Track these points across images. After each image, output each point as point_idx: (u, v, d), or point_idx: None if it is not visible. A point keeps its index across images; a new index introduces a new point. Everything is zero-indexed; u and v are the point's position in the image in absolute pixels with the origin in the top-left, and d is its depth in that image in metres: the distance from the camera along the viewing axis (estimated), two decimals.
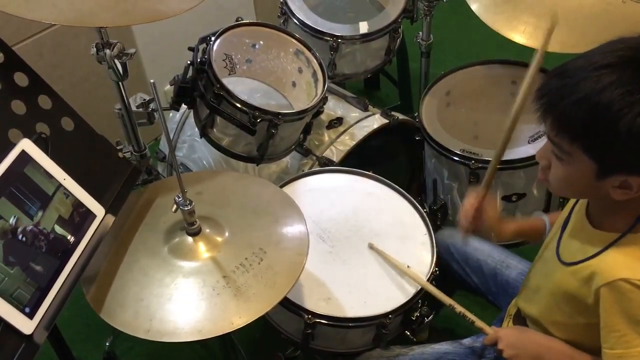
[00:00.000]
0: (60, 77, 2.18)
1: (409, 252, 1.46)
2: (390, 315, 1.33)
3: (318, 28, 1.93)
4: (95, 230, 1.13)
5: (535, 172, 1.71)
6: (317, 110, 1.67)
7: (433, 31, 2.17)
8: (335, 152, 1.78)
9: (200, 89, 1.57)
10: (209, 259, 1.17)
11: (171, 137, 1.98)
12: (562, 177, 1.05)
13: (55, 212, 1.06)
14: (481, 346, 1.36)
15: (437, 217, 1.88)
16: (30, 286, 0.98)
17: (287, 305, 1.34)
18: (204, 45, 1.59)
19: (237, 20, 1.71)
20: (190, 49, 1.59)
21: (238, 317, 1.07)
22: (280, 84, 1.80)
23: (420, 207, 1.55)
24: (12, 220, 0.98)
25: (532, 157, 1.68)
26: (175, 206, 1.15)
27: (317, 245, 1.47)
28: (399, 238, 1.49)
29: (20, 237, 0.99)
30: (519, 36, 1.64)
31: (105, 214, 1.16)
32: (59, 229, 1.05)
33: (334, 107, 1.90)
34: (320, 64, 1.73)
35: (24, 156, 1.03)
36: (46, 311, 0.99)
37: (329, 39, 1.92)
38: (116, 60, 1.46)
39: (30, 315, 0.97)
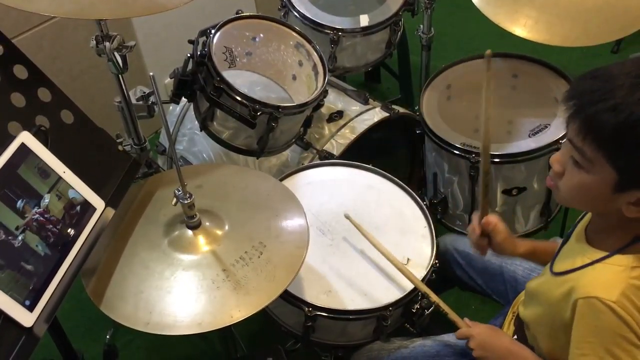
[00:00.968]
0: (59, 69, 2.17)
1: (409, 245, 1.46)
2: (390, 308, 1.33)
3: (318, 21, 1.92)
4: (95, 223, 1.13)
5: (535, 165, 1.72)
6: (317, 103, 1.67)
7: (434, 24, 2.17)
8: (335, 146, 1.78)
9: (200, 82, 1.56)
10: (209, 252, 1.17)
11: (171, 130, 1.97)
12: (576, 185, 1.02)
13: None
14: None
15: (438, 211, 1.88)
16: (30, 279, 0.98)
17: (288, 298, 1.34)
18: (204, 38, 1.59)
19: (237, 13, 1.70)
20: (190, 41, 1.59)
21: (237, 311, 1.07)
22: (281, 77, 1.80)
23: (420, 200, 1.55)
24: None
25: (533, 150, 1.68)
26: (175, 199, 1.15)
27: (317, 239, 1.47)
28: (399, 231, 1.49)
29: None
30: (520, 29, 1.64)
31: (105, 207, 1.16)
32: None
33: (335, 101, 1.90)
34: (320, 57, 1.73)
35: (23, 149, 1.03)
36: (46, 304, 0.99)
37: (329, 31, 1.91)
38: (116, 53, 1.45)
39: (30, 308, 0.97)
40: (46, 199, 1.04)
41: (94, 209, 1.13)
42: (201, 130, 1.65)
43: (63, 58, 2.17)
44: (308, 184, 1.61)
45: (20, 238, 0.98)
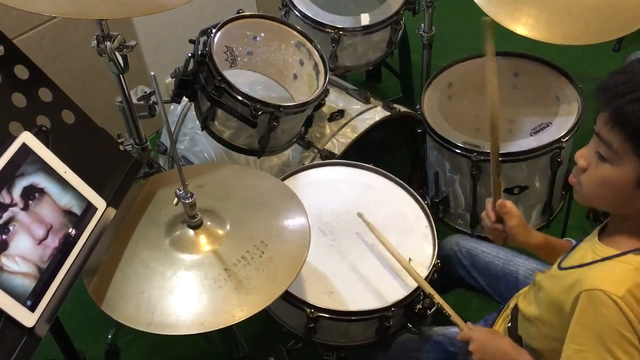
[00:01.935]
0: (60, 69, 2.17)
1: (411, 245, 1.45)
2: (392, 308, 1.33)
3: (319, 20, 1.92)
4: (97, 223, 1.12)
5: (537, 164, 1.72)
6: (318, 102, 1.67)
7: (435, 23, 2.17)
8: (336, 145, 1.78)
9: (201, 81, 1.56)
10: (211, 251, 1.17)
11: (172, 130, 1.97)
12: (600, 180, 1.02)
13: None
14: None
15: (439, 210, 1.88)
16: (31, 279, 0.98)
17: (290, 299, 1.34)
18: (205, 37, 1.58)
19: (238, 13, 1.70)
20: (191, 41, 1.59)
21: (240, 310, 1.07)
22: (282, 77, 1.80)
23: (421, 200, 1.55)
24: None
25: (535, 149, 1.68)
26: (176, 199, 1.15)
27: (318, 239, 1.47)
28: (400, 230, 1.49)
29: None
30: (521, 28, 1.64)
31: (107, 207, 1.16)
32: None
33: (336, 100, 1.90)
34: (321, 56, 1.73)
35: (24, 149, 1.03)
36: (48, 304, 0.99)
37: (330, 31, 1.91)
38: (117, 53, 1.45)
39: (32, 308, 0.97)
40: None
41: (95, 209, 1.13)
42: (202, 130, 1.65)
43: (64, 58, 2.17)
44: (309, 184, 1.61)
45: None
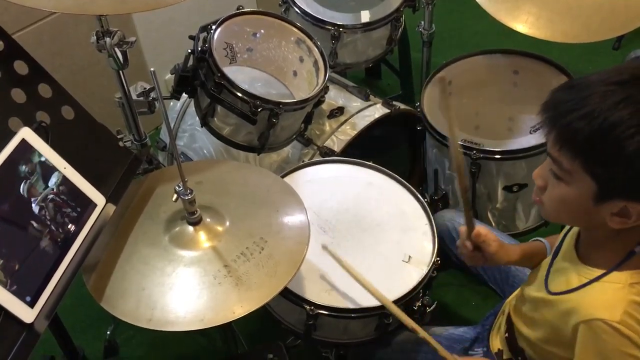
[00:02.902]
0: (60, 65, 2.17)
1: (410, 243, 1.45)
2: None
3: (319, 17, 1.92)
4: (96, 219, 1.12)
5: (536, 162, 1.72)
6: (318, 99, 1.67)
7: (435, 20, 2.16)
8: (336, 142, 1.78)
9: (201, 78, 1.56)
10: (210, 248, 1.17)
11: (172, 126, 1.97)
12: (558, 199, 1.01)
13: None
14: (470, 336, 1.38)
15: (438, 207, 1.88)
16: (31, 275, 0.98)
17: (290, 296, 1.34)
18: (205, 33, 1.58)
19: (238, 9, 1.70)
20: (191, 37, 1.59)
21: (239, 307, 1.07)
22: (282, 73, 1.79)
23: (421, 197, 1.55)
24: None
25: (534, 147, 1.68)
26: (175, 195, 1.15)
27: (318, 237, 1.47)
28: (400, 228, 1.49)
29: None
30: (521, 25, 1.63)
31: (106, 203, 1.16)
32: None
33: (335, 97, 1.90)
34: (321, 53, 1.72)
35: (24, 145, 1.03)
36: (47, 300, 0.99)
37: (330, 27, 1.91)
38: (116, 49, 1.45)
39: (31, 304, 0.97)
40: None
41: (95, 205, 1.13)
42: (202, 126, 1.65)
43: (63, 54, 2.17)
44: (308, 181, 1.61)
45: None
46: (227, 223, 1.21)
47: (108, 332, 1.88)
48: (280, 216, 1.26)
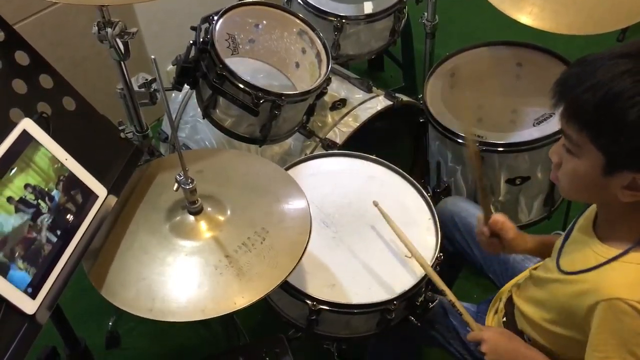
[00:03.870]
0: (61, 56, 2.17)
1: (413, 237, 1.44)
2: (395, 302, 1.32)
3: (322, 8, 1.91)
4: (98, 210, 1.12)
5: (539, 155, 1.71)
6: (320, 91, 1.66)
7: (438, 12, 2.15)
8: (338, 134, 1.77)
9: (202, 69, 1.55)
10: (211, 238, 1.16)
11: (173, 117, 1.97)
12: (571, 173, 1.02)
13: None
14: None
15: (441, 200, 1.87)
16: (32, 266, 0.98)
17: (292, 291, 1.33)
18: (207, 24, 1.58)
19: (239, 0, 1.69)
20: (193, 28, 1.58)
21: (241, 297, 1.07)
22: (284, 65, 1.79)
23: (424, 192, 1.54)
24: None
25: (537, 140, 1.67)
26: (176, 185, 1.14)
27: (320, 231, 1.46)
28: (402, 223, 1.48)
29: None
30: (525, 17, 1.62)
31: (108, 195, 1.15)
32: None
33: (338, 89, 1.89)
34: (324, 45, 1.72)
35: (25, 136, 1.03)
36: (48, 291, 0.99)
37: (333, 19, 1.90)
38: (118, 40, 1.44)
39: (33, 295, 0.97)
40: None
41: (96, 197, 1.13)
42: (204, 118, 1.64)
43: (65, 45, 2.17)
44: (310, 175, 1.60)
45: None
46: (229, 212, 1.21)
47: (110, 324, 1.88)
48: (281, 206, 1.25)
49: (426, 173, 2.01)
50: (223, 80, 1.52)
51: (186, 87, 1.65)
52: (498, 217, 1.30)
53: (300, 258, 1.14)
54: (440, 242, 1.43)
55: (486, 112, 1.89)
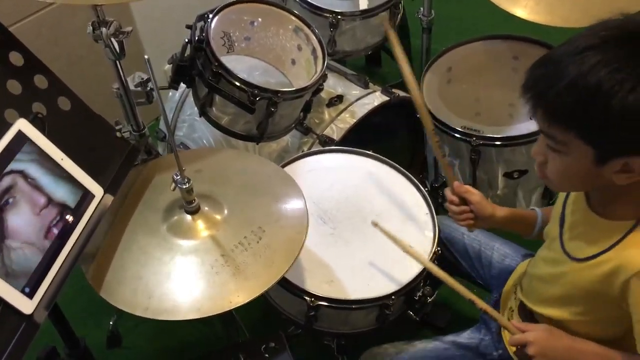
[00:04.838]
0: (58, 56, 2.16)
1: (411, 232, 1.45)
2: (393, 297, 1.33)
3: (317, 4, 1.91)
4: (94, 210, 1.12)
5: None
6: (316, 88, 1.66)
7: (434, 6, 2.15)
8: (335, 130, 1.77)
9: (198, 67, 1.55)
10: (208, 237, 1.17)
11: (171, 116, 1.97)
12: (561, 170, 1.02)
13: None
14: (478, 341, 1.36)
15: (439, 195, 1.87)
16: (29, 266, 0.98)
17: (290, 288, 1.34)
18: (202, 23, 1.58)
19: None
20: (188, 26, 1.58)
21: (237, 296, 1.07)
22: (280, 62, 1.79)
23: (421, 187, 1.54)
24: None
25: (534, 133, 1.67)
26: (173, 184, 1.15)
27: (318, 227, 1.46)
28: (400, 218, 1.49)
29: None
30: (521, 10, 1.62)
31: (104, 194, 1.15)
32: None
33: (334, 85, 1.89)
34: (319, 41, 1.72)
35: (20, 136, 1.03)
36: (46, 291, 0.99)
37: (328, 15, 1.90)
38: (112, 39, 1.44)
39: (30, 295, 0.97)
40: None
41: (93, 196, 1.13)
42: (200, 116, 1.64)
43: (62, 45, 2.16)
44: (308, 171, 1.60)
45: None
46: (226, 212, 1.21)
47: (111, 323, 1.89)
48: (278, 205, 1.26)
49: (424, 169, 2.01)
50: (219, 78, 1.52)
51: (183, 85, 1.65)
52: (460, 183, 1.34)
53: (296, 257, 1.14)
54: (438, 237, 1.43)
55: (483, 106, 1.89)
